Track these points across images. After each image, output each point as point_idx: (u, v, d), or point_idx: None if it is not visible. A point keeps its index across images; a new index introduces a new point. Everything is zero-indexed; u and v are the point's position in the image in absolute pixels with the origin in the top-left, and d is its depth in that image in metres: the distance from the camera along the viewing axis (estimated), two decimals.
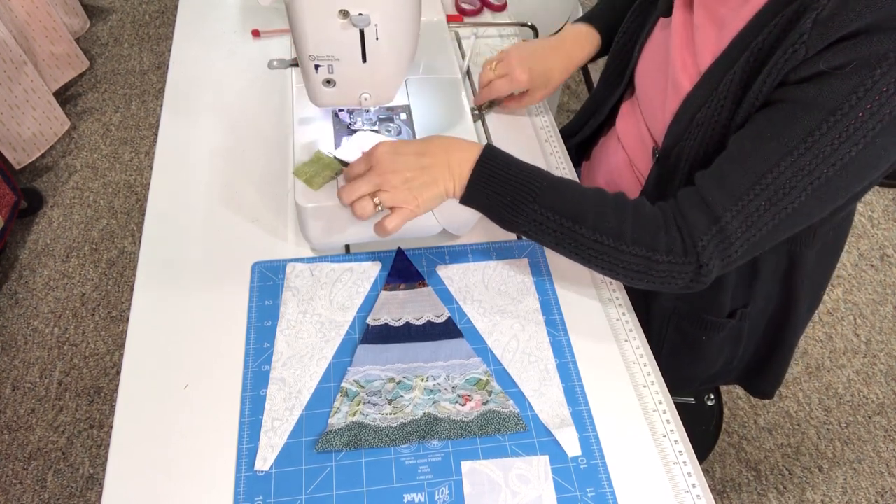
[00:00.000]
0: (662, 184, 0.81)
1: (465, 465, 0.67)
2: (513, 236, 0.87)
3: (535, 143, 0.99)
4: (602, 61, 0.99)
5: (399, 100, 0.88)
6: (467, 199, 0.73)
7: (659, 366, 0.76)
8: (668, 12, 0.79)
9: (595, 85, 1.00)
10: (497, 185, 0.70)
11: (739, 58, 0.69)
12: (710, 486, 0.84)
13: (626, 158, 0.92)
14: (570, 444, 0.69)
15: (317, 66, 0.72)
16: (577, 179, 0.95)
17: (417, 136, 0.84)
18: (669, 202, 0.70)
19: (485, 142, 0.99)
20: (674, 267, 0.67)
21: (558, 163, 0.97)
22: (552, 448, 0.69)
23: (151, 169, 0.92)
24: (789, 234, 0.68)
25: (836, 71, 0.60)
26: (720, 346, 0.93)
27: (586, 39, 0.96)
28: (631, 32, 0.90)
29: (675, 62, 0.77)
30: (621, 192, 0.72)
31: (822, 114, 0.61)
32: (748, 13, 0.69)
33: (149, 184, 0.91)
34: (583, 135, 1.03)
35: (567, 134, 1.07)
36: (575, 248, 0.70)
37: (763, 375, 1.00)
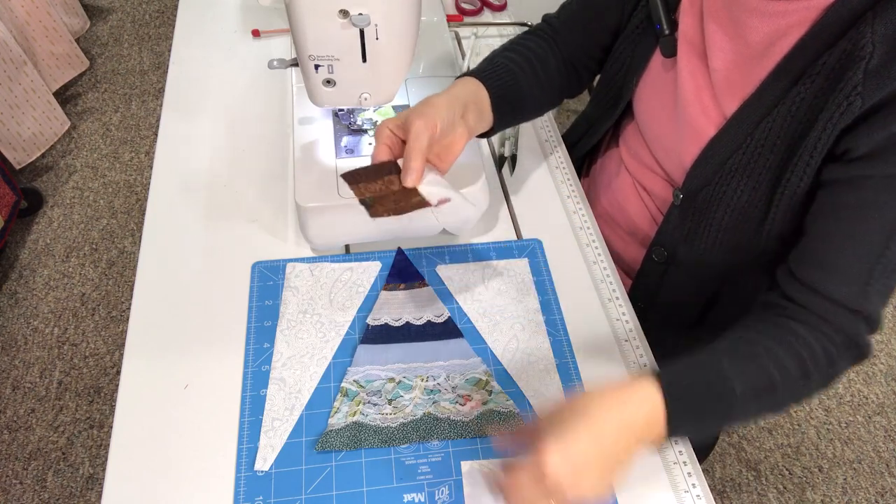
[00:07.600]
0: (689, 224, 0.79)
1: (465, 465, 0.67)
2: (513, 236, 0.87)
3: (536, 143, 0.99)
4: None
5: (399, 100, 0.88)
6: (670, 437, 0.62)
7: None
8: (670, 53, 0.77)
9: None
10: (696, 416, 0.61)
11: (776, 104, 0.68)
12: (710, 486, 0.83)
13: (632, 182, 0.91)
14: None
15: (317, 66, 0.72)
16: (577, 182, 0.94)
17: None
18: (811, 321, 0.67)
19: (481, 135, 0.98)
20: (845, 366, 0.69)
21: (558, 162, 0.97)
22: None
23: (151, 169, 0.92)
24: None
25: None
26: None
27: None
28: (622, 60, 0.86)
29: (690, 104, 0.75)
30: (792, 348, 0.65)
31: None
32: (773, 59, 0.67)
33: (149, 184, 0.91)
34: (579, 151, 1.01)
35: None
36: (766, 413, 0.68)
37: None
